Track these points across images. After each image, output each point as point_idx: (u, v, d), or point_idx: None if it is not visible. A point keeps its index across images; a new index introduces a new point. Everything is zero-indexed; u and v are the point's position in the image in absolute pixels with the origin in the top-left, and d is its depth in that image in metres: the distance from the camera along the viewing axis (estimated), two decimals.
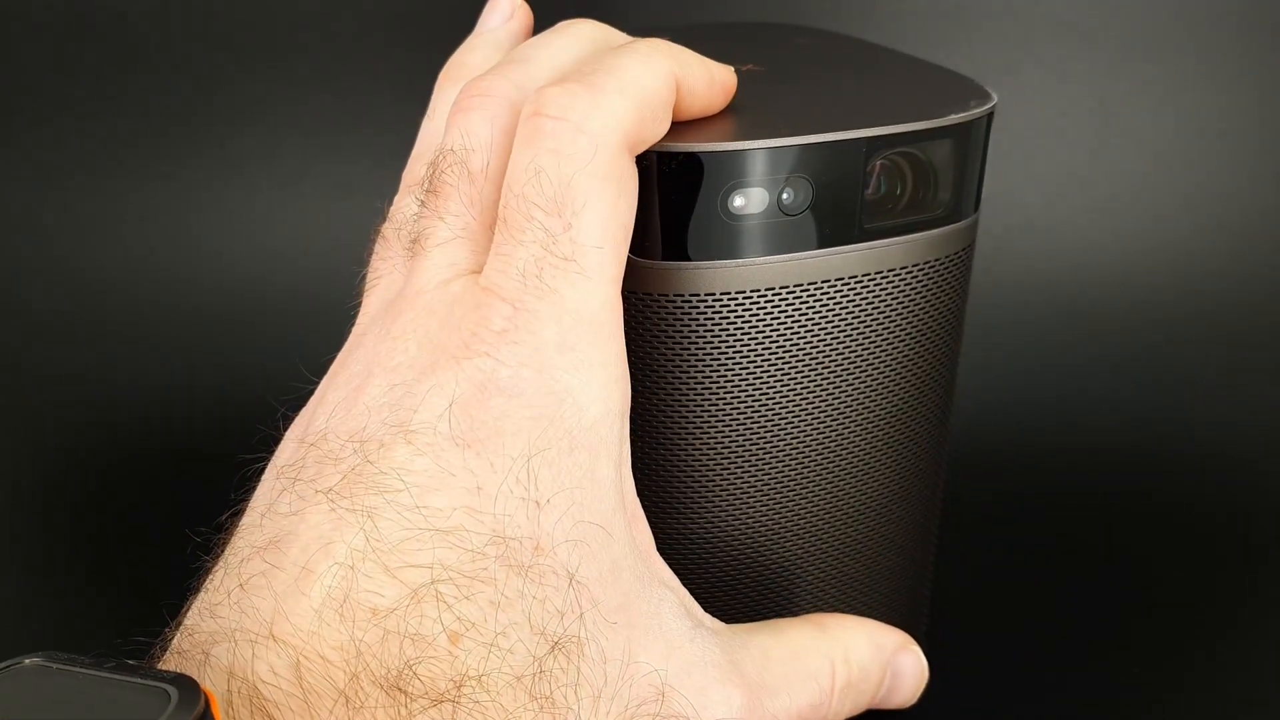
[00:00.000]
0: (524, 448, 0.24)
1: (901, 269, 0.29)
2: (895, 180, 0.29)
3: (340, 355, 0.28)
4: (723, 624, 0.28)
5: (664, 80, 0.26)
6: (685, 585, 0.31)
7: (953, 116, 0.29)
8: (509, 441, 0.24)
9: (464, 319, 0.25)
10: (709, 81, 0.28)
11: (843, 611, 0.33)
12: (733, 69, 0.29)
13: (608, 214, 0.25)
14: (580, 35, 0.29)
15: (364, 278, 0.30)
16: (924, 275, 0.30)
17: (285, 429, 0.27)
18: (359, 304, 0.29)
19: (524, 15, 0.34)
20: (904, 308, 0.30)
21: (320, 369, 0.28)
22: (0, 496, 0.50)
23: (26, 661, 0.20)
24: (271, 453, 0.27)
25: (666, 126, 0.27)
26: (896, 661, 0.30)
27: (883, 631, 0.30)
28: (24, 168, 0.62)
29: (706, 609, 0.31)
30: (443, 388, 0.24)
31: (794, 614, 0.32)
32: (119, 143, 0.62)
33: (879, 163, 0.28)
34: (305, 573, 0.23)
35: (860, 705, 0.29)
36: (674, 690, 0.25)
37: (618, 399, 0.25)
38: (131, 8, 0.61)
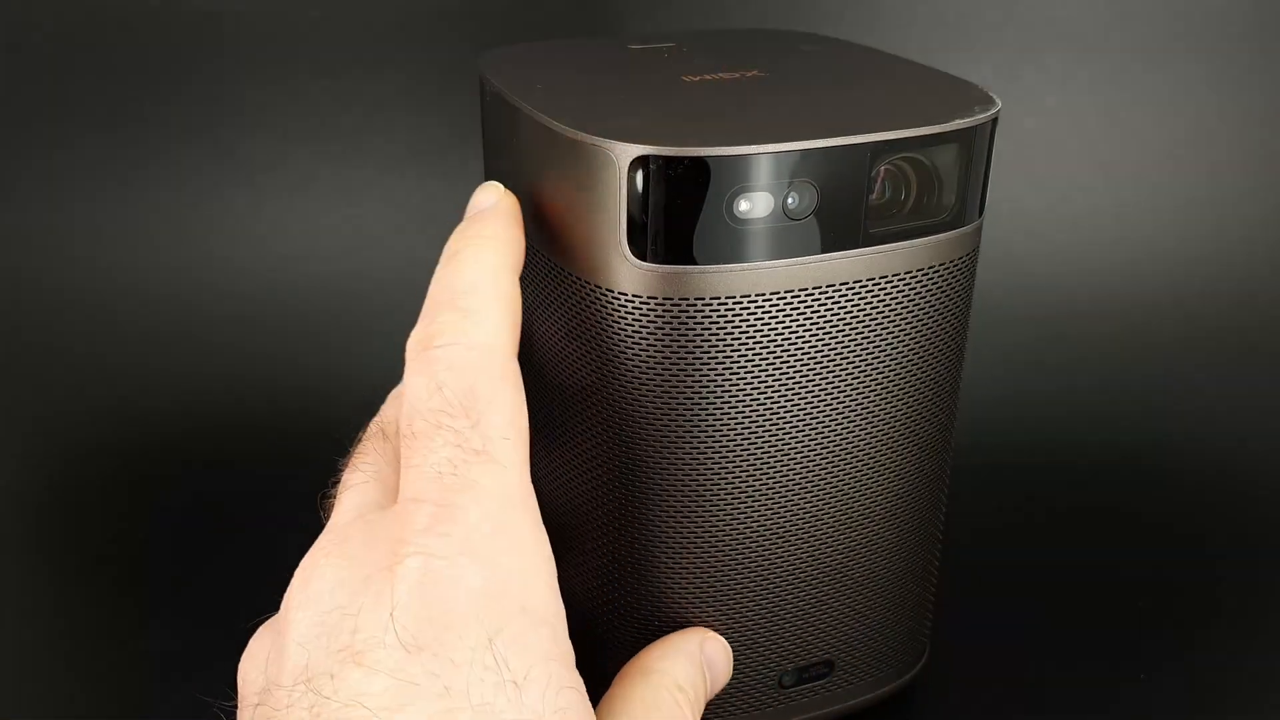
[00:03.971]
0: (481, 634, 0.23)
1: (906, 274, 0.29)
2: (900, 185, 0.29)
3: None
4: None
5: (507, 268, 0.29)
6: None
7: (957, 122, 0.29)
8: (464, 633, 0.23)
9: (386, 531, 0.25)
10: (518, 228, 0.30)
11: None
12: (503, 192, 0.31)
13: (512, 409, 0.27)
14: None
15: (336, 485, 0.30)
16: (928, 280, 0.30)
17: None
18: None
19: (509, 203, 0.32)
20: (908, 312, 0.30)
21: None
22: (4, 498, 0.51)
23: None
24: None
25: (519, 267, 0.29)
26: (707, 656, 0.31)
27: (685, 640, 0.31)
28: (34, 176, 0.63)
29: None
30: (380, 597, 0.23)
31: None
32: (127, 150, 0.63)
33: (884, 168, 0.28)
34: None
35: (700, 709, 0.31)
36: None
37: (550, 572, 0.26)
38: (140, 18, 0.61)
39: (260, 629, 0.27)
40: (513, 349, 0.28)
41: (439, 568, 0.24)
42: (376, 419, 0.31)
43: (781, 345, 0.29)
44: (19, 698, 0.39)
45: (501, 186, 0.31)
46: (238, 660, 0.27)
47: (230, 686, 0.27)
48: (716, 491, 0.30)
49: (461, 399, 0.26)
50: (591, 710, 0.25)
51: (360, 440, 0.30)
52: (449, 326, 0.27)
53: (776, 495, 0.31)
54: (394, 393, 0.32)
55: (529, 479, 0.27)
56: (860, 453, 0.31)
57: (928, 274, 0.30)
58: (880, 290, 0.29)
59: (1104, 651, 0.40)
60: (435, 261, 0.29)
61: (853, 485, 0.31)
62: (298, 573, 0.26)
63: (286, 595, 0.26)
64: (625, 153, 0.27)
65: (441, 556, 0.24)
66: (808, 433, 0.30)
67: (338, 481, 0.30)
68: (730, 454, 0.30)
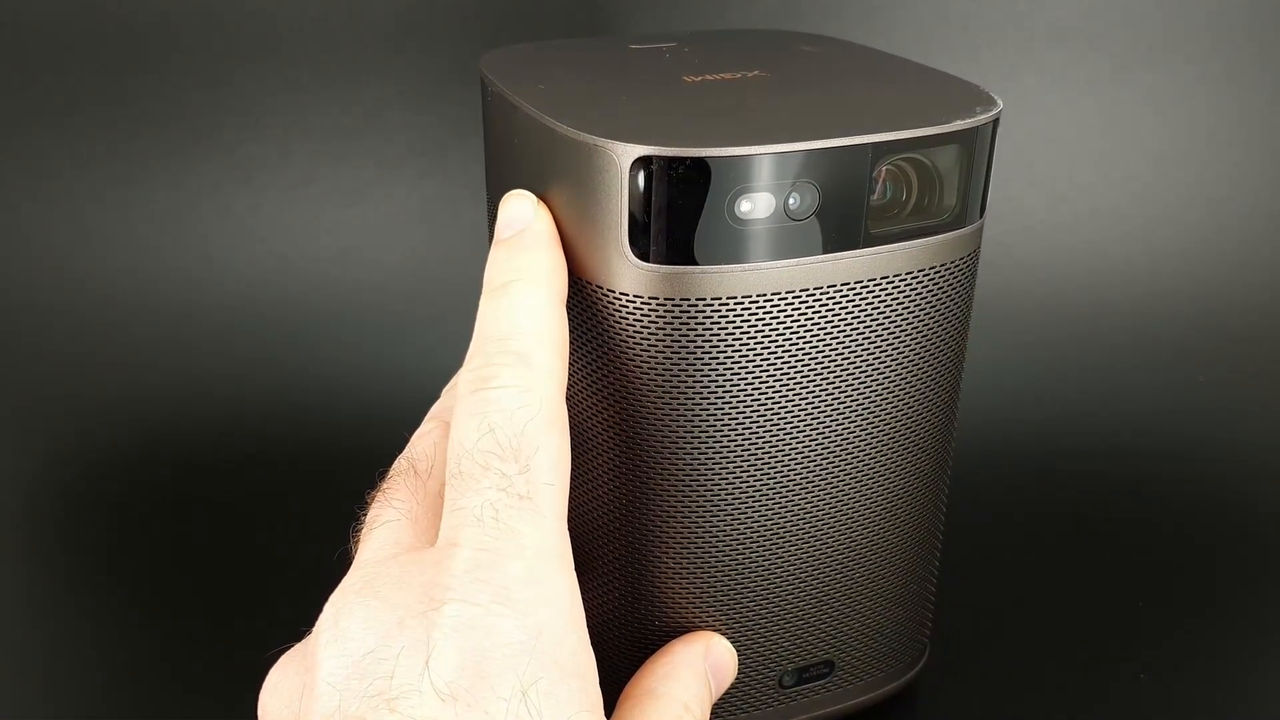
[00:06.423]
0: (514, 685, 0.23)
1: (907, 274, 0.29)
2: (901, 186, 0.29)
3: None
4: None
5: (556, 303, 0.29)
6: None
7: (958, 122, 0.29)
8: (497, 683, 0.23)
9: (421, 574, 0.25)
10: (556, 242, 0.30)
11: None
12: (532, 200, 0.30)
13: (557, 455, 0.27)
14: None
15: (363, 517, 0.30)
16: (929, 280, 0.30)
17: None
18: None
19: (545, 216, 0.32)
20: (909, 313, 0.30)
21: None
22: (8, 500, 0.51)
23: None
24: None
25: (565, 297, 0.29)
26: (712, 662, 0.32)
27: (688, 652, 0.31)
28: (33, 175, 0.63)
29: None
30: (415, 643, 0.23)
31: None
32: (127, 149, 0.63)
33: (885, 168, 0.28)
34: None
35: (708, 712, 0.31)
36: None
37: (581, 623, 0.26)
38: (140, 17, 0.61)
39: (281, 659, 0.27)
40: (562, 392, 0.28)
41: (476, 616, 0.24)
42: (406, 454, 0.31)
43: (782, 346, 0.29)
44: (14, 702, 0.39)
45: (534, 197, 0.30)
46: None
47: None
48: (718, 491, 0.30)
49: (512, 442, 0.26)
50: None
51: (389, 475, 0.30)
52: (503, 370, 0.27)
53: (778, 495, 0.31)
54: (419, 432, 0.32)
55: (566, 528, 0.27)
56: (861, 453, 0.31)
57: (929, 274, 0.30)
58: (881, 291, 0.29)
59: (1103, 651, 0.40)
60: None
61: (853, 485, 0.31)
62: (326, 609, 0.26)
63: (314, 630, 0.25)
64: (627, 153, 0.27)
65: (478, 605, 0.24)
66: (809, 433, 0.30)
67: (364, 512, 0.30)
68: (731, 454, 0.30)
